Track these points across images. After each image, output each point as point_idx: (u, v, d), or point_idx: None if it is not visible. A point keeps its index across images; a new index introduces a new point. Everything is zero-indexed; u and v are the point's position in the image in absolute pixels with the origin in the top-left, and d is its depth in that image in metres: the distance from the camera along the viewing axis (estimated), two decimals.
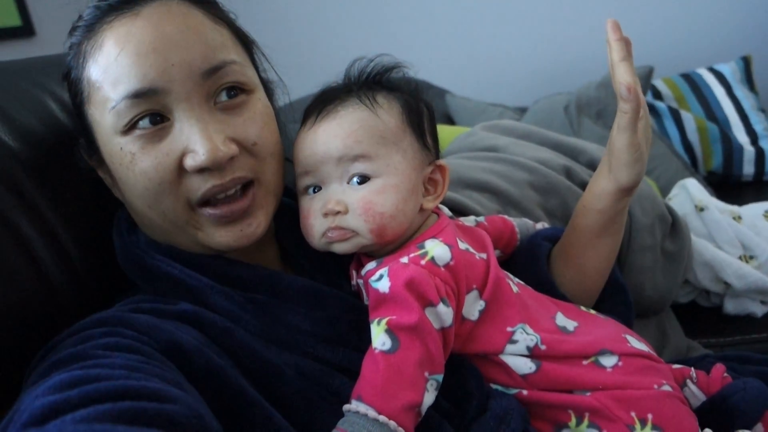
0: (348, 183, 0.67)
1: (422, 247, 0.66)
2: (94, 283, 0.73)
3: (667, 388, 0.66)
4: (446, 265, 0.64)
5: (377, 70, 0.73)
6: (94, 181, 0.72)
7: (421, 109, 0.73)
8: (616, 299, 0.84)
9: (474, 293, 0.67)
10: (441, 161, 0.73)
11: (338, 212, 0.66)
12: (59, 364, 0.54)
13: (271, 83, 0.77)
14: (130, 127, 0.62)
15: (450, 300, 0.63)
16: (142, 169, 0.63)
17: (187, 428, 0.47)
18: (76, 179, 0.72)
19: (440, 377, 0.61)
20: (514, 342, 0.66)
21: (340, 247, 0.68)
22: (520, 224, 0.89)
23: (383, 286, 0.63)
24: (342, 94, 0.70)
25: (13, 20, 2.26)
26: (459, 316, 0.65)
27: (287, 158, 0.73)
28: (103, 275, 0.73)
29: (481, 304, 0.67)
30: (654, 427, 0.62)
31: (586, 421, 0.64)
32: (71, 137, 0.73)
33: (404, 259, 0.65)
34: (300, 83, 0.83)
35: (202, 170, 0.63)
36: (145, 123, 0.62)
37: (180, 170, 0.63)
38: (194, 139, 0.62)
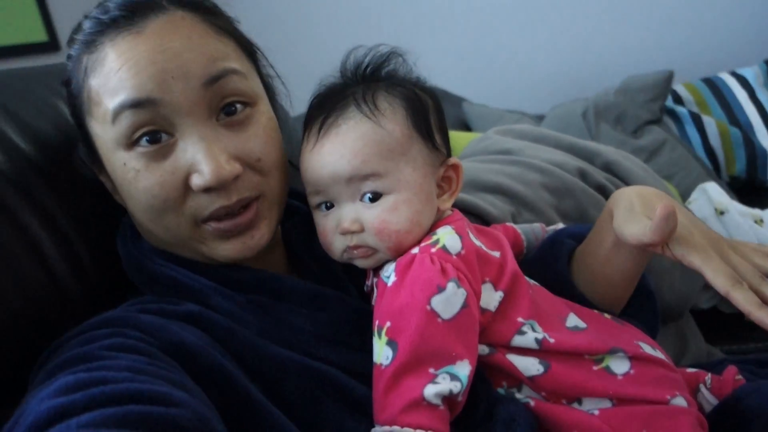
0: (361, 200, 0.66)
1: (434, 234, 0.66)
2: (103, 284, 0.73)
3: (680, 401, 0.63)
4: (458, 254, 0.63)
5: (374, 63, 0.70)
6: (103, 183, 0.73)
7: (426, 104, 0.70)
8: (644, 307, 0.80)
9: (488, 285, 0.66)
10: (453, 159, 0.71)
11: (355, 231, 0.66)
12: (65, 365, 0.54)
13: (271, 78, 0.76)
14: (132, 142, 0.62)
15: (462, 282, 0.61)
16: (146, 186, 0.63)
17: None
18: (86, 182, 0.73)
19: (452, 368, 0.58)
20: (523, 333, 0.64)
21: (363, 263, 0.68)
22: (525, 229, 0.87)
23: (390, 281, 0.63)
24: (339, 101, 0.67)
25: (40, 36, 2.32)
26: (478, 307, 0.64)
27: (291, 163, 0.73)
28: (112, 276, 0.73)
29: (499, 295, 0.65)
30: None
31: None
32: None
33: (415, 250, 0.64)
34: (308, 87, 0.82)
35: (208, 189, 0.63)
36: (148, 140, 0.62)
37: (185, 188, 0.63)
38: (199, 158, 0.62)
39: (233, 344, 0.62)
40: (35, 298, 0.66)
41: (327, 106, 0.67)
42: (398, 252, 0.66)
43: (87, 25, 0.65)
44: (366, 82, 0.69)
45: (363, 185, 0.65)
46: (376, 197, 0.65)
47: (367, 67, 0.70)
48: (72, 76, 0.66)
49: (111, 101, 0.61)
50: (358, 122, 0.65)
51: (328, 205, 0.68)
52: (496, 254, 0.69)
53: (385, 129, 0.65)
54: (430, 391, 0.56)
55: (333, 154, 0.65)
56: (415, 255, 0.63)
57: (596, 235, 0.76)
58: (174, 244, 0.68)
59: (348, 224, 0.66)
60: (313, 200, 0.69)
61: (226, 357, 0.61)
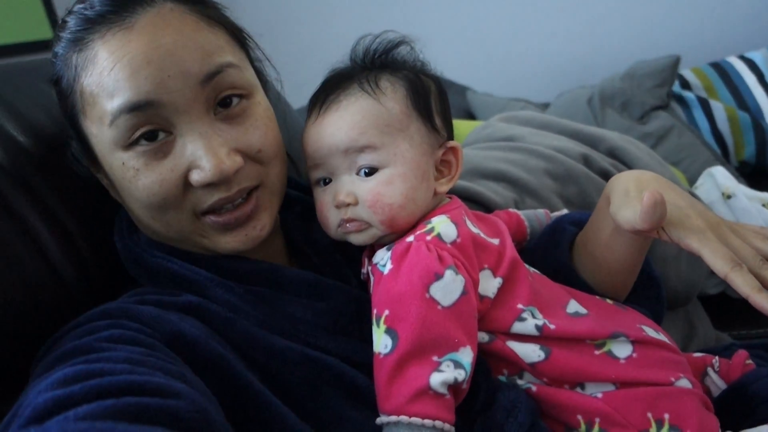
0: (357, 174, 0.67)
1: (429, 222, 0.66)
2: (102, 275, 0.73)
3: (685, 382, 0.63)
4: (453, 242, 0.63)
5: (381, 48, 0.71)
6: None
7: (428, 89, 0.71)
8: (649, 293, 0.79)
9: (487, 271, 0.65)
10: (452, 142, 0.72)
11: (349, 204, 0.67)
12: (64, 357, 0.55)
13: (261, 62, 0.75)
14: (131, 143, 0.61)
15: (459, 269, 0.61)
16: (146, 184, 0.62)
17: (190, 423, 0.47)
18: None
19: (455, 355, 0.58)
20: (523, 320, 0.64)
21: (356, 238, 0.69)
22: (529, 215, 0.87)
23: (386, 269, 0.63)
24: (344, 81, 0.69)
25: (45, 33, 2.33)
26: (476, 294, 0.63)
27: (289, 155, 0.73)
28: (111, 267, 0.73)
29: (498, 281, 0.65)
30: (672, 427, 0.59)
31: (596, 428, 0.61)
32: None
33: (410, 238, 0.64)
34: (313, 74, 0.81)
35: (208, 184, 0.62)
36: (146, 139, 0.61)
37: (185, 185, 0.63)
38: (199, 155, 0.62)
39: (232, 335, 0.62)
40: (34, 290, 0.66)
41: (332, 86, 0.69)
42: (391, 227, 0.66)
43: (72, 21, 0.64)
44: (373, 67, 0.71)
45: (359, 158, 0.66)
46: (372, 172, 0.66)
47: (374, 53, 0.72)
48: (61, 75, 0.65)
49: (108, 103, 0.60)
50: (359, 98, 0.67)
51: (327, 180, 0.70)
52: (495, 241, 0.69)
53: (385, 106, 0.67)
54: (437, 379, 0.56)
55: (331, 126, 0.67)
56: (410, 243, 0.63)
57: (596, 220, 0.75)
58: (175, 238, 0.68)
59: (343, 196, 0.67)
60: (313, 175, 0.71)
61: (226, 347, 0.61)
